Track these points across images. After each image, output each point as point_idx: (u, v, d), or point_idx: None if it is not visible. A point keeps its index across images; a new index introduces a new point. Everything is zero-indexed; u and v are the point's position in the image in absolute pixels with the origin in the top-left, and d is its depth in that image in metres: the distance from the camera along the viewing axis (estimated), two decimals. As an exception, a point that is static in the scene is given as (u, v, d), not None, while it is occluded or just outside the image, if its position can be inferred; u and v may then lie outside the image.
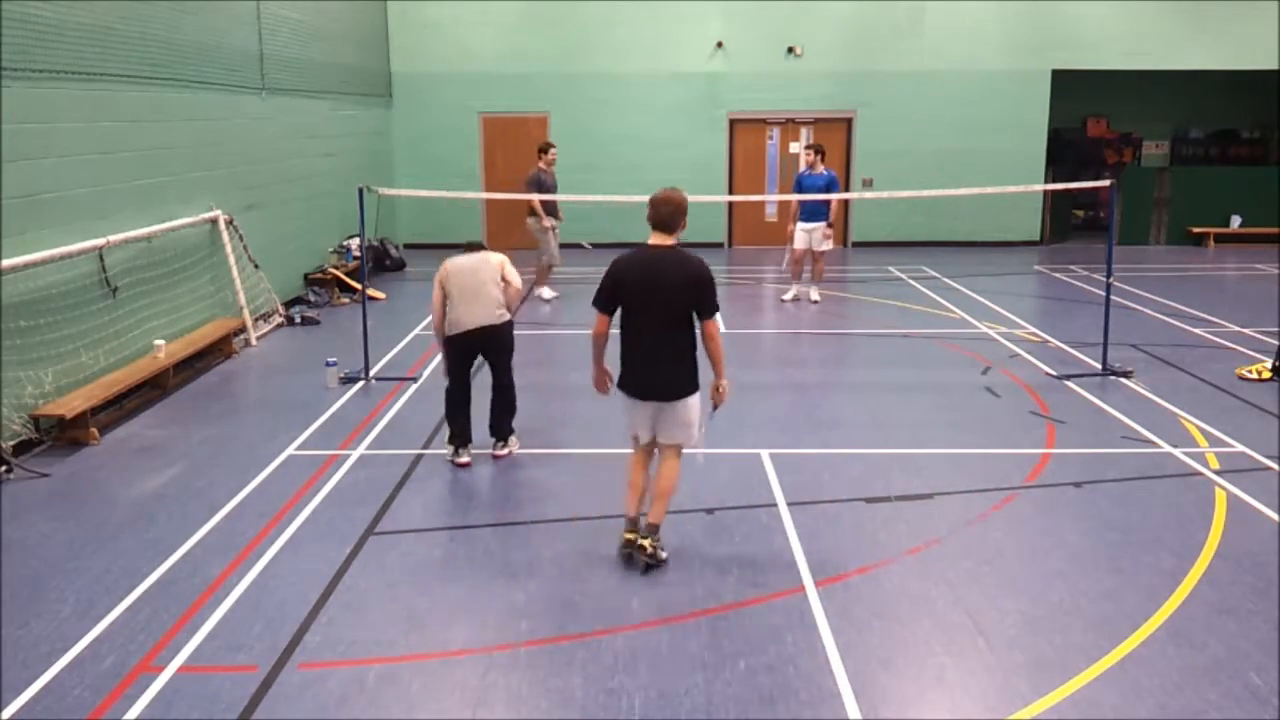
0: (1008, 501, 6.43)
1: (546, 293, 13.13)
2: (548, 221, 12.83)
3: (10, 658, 4.63)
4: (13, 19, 7.39)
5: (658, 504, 5.46)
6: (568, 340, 11.33)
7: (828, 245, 12.86)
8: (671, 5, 17.49)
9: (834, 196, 12.58)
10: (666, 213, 5.31)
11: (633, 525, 5.49)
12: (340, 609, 5.08)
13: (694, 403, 5.40)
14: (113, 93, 8.74)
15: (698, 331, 5.39)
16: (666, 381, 5.38)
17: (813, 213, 12.68)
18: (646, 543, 5.40)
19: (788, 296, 13.11)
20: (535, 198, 12.33)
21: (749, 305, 13.45)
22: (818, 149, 12.75)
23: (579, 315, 12.30)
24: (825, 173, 12.64)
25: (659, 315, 5.30)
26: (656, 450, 5.61)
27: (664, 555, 5.48)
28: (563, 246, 13.38)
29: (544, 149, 12.97)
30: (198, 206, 10.28)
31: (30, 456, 7.30)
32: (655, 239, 5.36)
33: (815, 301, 12.86)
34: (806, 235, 12.80)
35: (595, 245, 14.11)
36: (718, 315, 5.37)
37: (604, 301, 5.43)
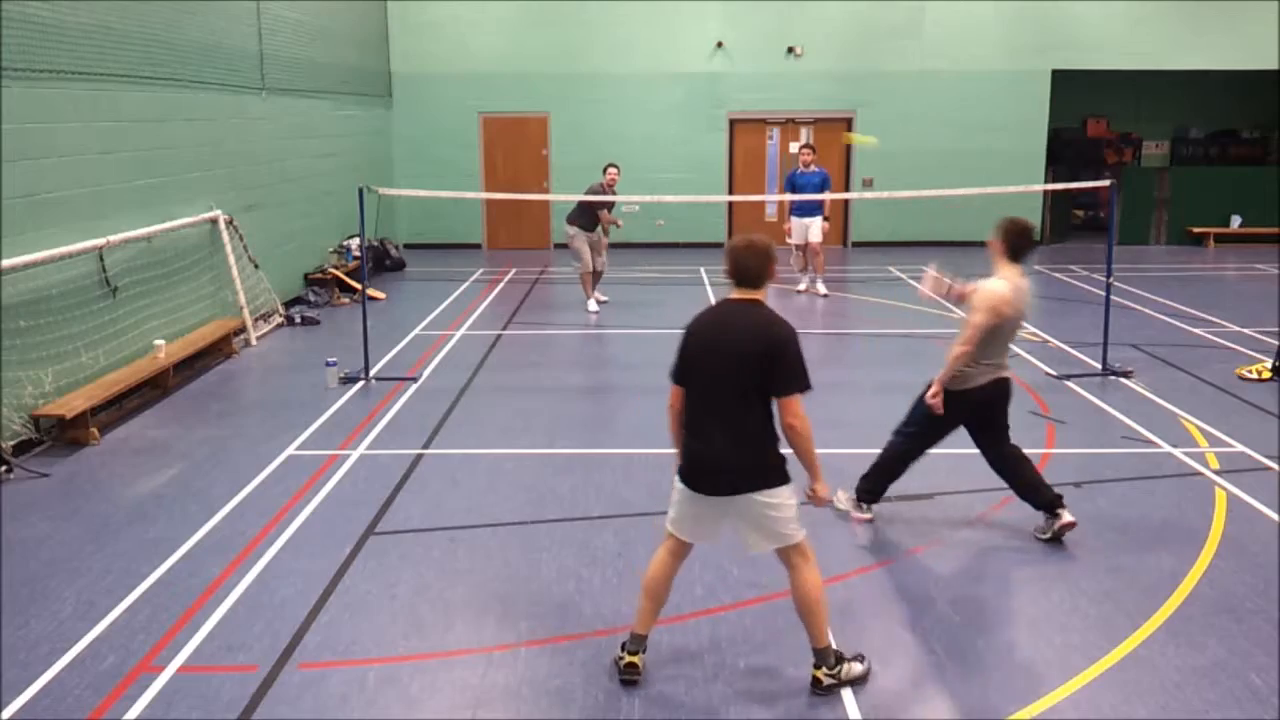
0: (1008, 501, 6.41)
1: (591, 305, 12.44)
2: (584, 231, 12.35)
3: (10, 658, 4.63)
4: (13, 19, 7.39)
5: (809, 623, 4.33)
6: (573, 340, 11.33)
7: (819, 237, 13.22)
8: (671, 5, 17.48)
9: (828, 197, 13.09)
10: (751, 264, 4.26)
11: (636, 644, 4.42)
12: (340, 609, 5.08)
13: (780, 496, 4.25)
14: (113, 93, 8.74)
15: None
16: (729, 469, 4.21)
17: (810, 209, 13.11)
18: (820, 673, 4.31)
19: (801, 288, 13.65)
20: (586, 199, 11.93)
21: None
22: (814, 148, 13.57)
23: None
24: (819, 170, 13.23)
25: (719, 384, 4.22)
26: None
27: (858, 672, 4.39)
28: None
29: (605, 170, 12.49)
30: (198, 206, 10.28)
31: (30, 456, 7.30)
32: (735, 293, 4.33)
33: (825, 295, 13.29)
34: (804, 228, 13.24)
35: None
36: (798, 395, 4.16)
37: (675, 369, 4.37)
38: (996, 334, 5.61)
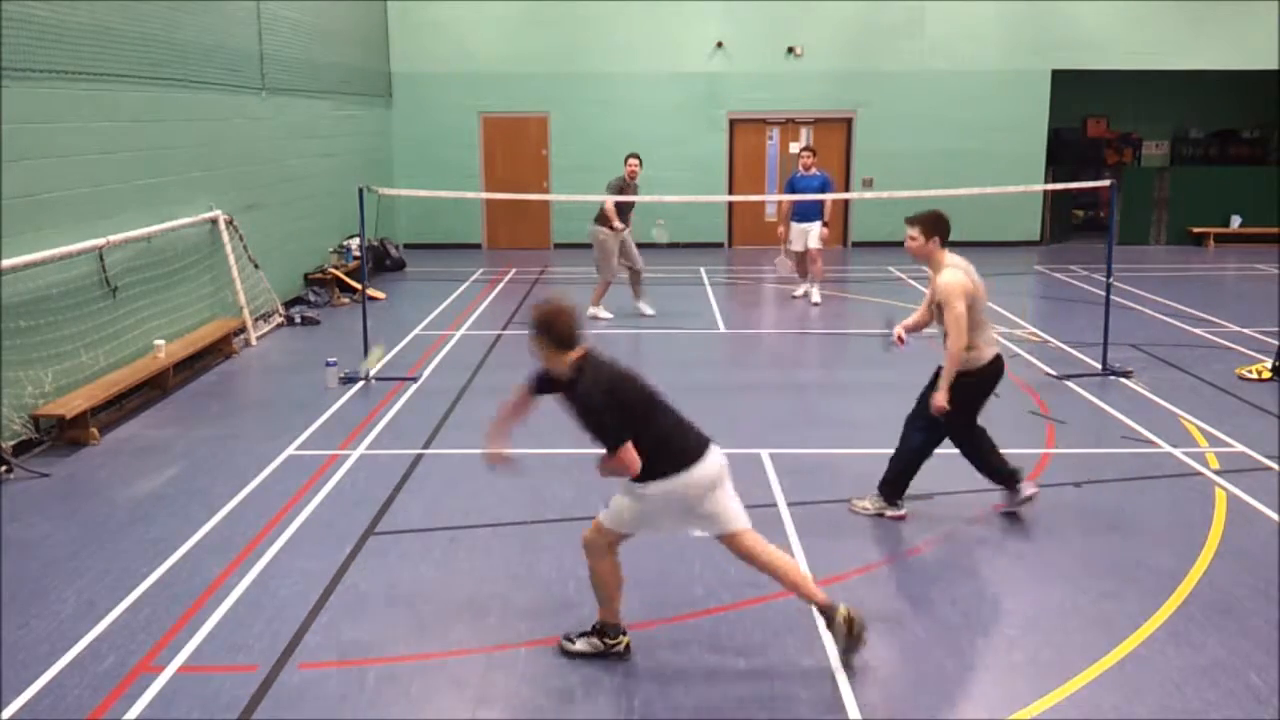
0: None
1: (603, 312, 12.01)
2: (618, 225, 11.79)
3: (10, 658, 4.63)
4: (13, 19, 7.39)
5: (805, 588, 4.53)
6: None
7: (818, 244, 12.94)
8: (671, 5, 17.49)
9: (829, 197, 12.84)
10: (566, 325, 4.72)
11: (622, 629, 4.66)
12: (340, 609, 5.08)
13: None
14: (113, 93, 8.74)
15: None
16: None
17: (807, 213, 12.88)
18: (848, 613, 4.41)
19: (798, 293, 13.36)
20: (611, 199, 11.50)
21: (749, 305, 13.50)
22: (813, 151, 13.25)
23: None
24: (819, 174, 13.00)
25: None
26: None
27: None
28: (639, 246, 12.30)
29: (626, 160, 12.10)
30: (198, 206, 10.28)
31: (30, 456, 7.30)
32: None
33: (816, 304, 12.89)
34: (803, 235, 12.97)
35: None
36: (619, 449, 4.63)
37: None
38: (975, 313, 6.05)
